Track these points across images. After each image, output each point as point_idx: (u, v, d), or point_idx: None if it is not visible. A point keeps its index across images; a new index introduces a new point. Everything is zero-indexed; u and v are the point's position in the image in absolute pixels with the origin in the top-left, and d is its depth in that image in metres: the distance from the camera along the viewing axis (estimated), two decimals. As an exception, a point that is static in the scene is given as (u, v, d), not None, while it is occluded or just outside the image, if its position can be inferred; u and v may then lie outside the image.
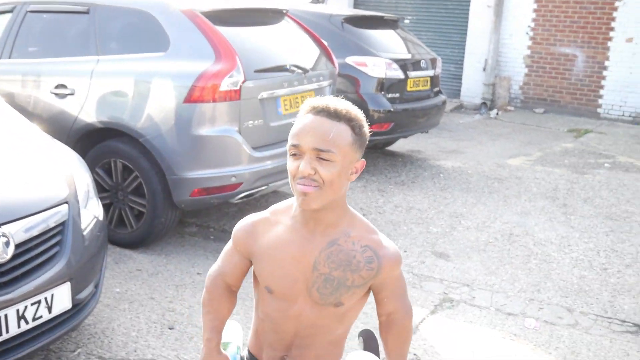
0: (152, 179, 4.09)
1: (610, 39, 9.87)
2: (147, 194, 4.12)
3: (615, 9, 9.73)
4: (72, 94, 4.27)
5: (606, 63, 9.97)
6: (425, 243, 4.69)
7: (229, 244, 1.75)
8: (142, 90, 4.05)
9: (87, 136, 4.28)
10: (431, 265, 4.30)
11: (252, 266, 1.72)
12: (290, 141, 1.53)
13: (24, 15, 4.62)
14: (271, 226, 1.65)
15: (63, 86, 4.30)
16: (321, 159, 1.49)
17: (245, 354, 1.82)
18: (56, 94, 4.33)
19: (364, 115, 1.58)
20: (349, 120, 1.52)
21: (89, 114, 4.20)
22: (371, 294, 1.73)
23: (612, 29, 9.83)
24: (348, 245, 1.60)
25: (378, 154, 7.33)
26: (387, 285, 1.67)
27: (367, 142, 1.58)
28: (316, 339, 1.69)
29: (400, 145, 7.69)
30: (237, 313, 3.30)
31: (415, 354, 3.19)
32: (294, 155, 1.52)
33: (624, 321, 3.65)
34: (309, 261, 1.60)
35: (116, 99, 4.14)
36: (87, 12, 4.39)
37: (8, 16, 4.69)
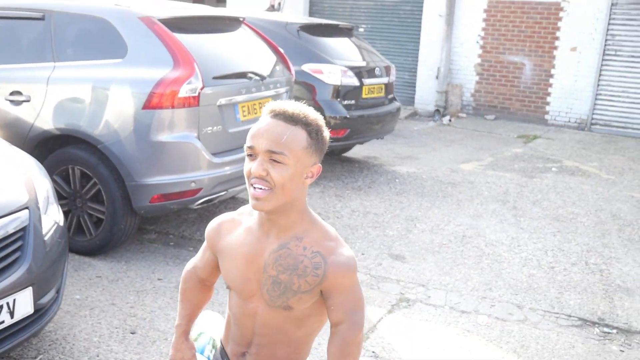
0: (111, 185, 4.09)
1: (555, 48, 10.27)
2: (106, 200, 4.12)
3: (560, 19, 10.14)
4: (27, 101, 4.24)
5: (552, 71, 10.36)
6: (382, 246, 4.82)
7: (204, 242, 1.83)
8: (100, 96, 4.06)
9: (44, 143, 4.26)
10: (388, 267, 4.42)
11: None
12: (246, 142, 1.56)
13: (-22, 21, 4.56)
14: (235, 226, 1.70)
15: (18, 93, 4.27)
16: (274, 161, 1.50)
17: (219, 346, 1.86)
18: (11, 101, 4.29)
19: (323, 120, 1.60)
20: (305, 124, 1.54)
21: (45, 121, 4.18)
22: None
23: (557, 38, 10.23)
24: (298, 249, 1.59)
25: (335, 160, 7.45)
26: (334, 293, 1.60)
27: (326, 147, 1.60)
28: (273, 339, 1.68)
29: (357, 152, 7.84)
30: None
31: (374, 352, 3.30)
32: (249, 156, 1.55)
33: (570, 316, 3.84)
34: (260, 262, 1.62)
35: (74, 106, 4.13)
36: (42, 19, 4.36)
37: (-40, 22, 4.62)
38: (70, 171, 4.19)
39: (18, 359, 2.97)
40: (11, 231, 2.61)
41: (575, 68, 10.16)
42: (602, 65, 9.99)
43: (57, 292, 2.89)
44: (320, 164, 1.60)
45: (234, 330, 1.75)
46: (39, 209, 2.82)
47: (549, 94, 10.45)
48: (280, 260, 1.59)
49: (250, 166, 1.54)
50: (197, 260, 1.85)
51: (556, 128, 10.32)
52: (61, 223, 3.02)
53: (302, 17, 10.16)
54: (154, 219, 4.98)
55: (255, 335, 1.69)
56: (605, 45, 9.91)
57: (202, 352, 1.87)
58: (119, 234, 4.19)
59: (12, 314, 2.52)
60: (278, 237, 1.61)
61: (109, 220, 4.14)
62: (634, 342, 3.58)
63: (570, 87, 10.24)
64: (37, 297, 2.65)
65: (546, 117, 10.51)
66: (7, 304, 2.50)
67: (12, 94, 4.29)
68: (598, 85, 10.07)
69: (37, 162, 3.16)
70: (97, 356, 3.05)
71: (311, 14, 12.37)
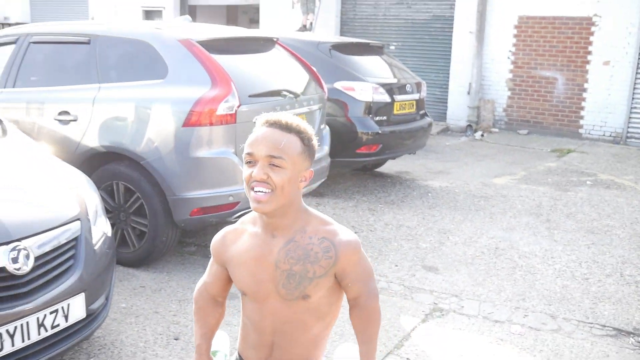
0: (153, 199, 4.28)
1: (588, 62, 10.25)
2: (148, 214, 4.30)
3: (592, 33, 10.13)
4: (74, 120, 4.47)
5: (585, 85, 10.33)
6: (415, 258, 4.89)
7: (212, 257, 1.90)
8: (143, 115, 4.26)
9: (89, 160, 4.47)
10: (421, 278, 4.50)
11: None
12: (245, 150, 1.67)
13: (27, 46, 4.84)
14: (239, 235, 1.80)
15: (66, 113, 4.51)
16: (273, 165, 1.63)
17: (235, 357, 1.94)
18: (59, 120, 4.53)
19: (312, 130, 1.74)
20: (298, 132, 1.68)
21: (91, 139, 4.40)
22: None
23: (589, 52, 10.21)
24: (305, 240, 1.71)
25: (368, 175, 7.56)
26: (348, 271, 1.74)
27: (315, 153, 1.73)
28: (295, 336, 1.77)
29: (389, 167, 7.93)
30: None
31: (408, 359, 3.37)
32: (248, 163, 1.66)
33: (604, 326, 3.86)
34: (271, 261, 1.71)
35: (118, 124, 4.35)
36: (87, 43, 4.61)
37: (12, 47, 4.90)
38: (114, 186, 4.40)
39: (69, 363, 3.14)
40: (64, 241, 2.78)
41: (608, 82, 10.11)
42: (636, 78, 9.92)
43: (107, 298, 3.06)
44: (312, 169, 1.74)
45: (252, 337, 1.82)
46: (89, 220, 3.00)
47: (582, 108, 10.41)
48: (290, 254, 1.70)
49: (250, 171, 1.65)
50: (205, 277, 1.92)
51: (590, 142, 10.26)
52: (109, 234, 3.19)
53: (333, 36, 10.35)
54: (193, 232, 5.15)
55: (276, 336, 1.77)
56: (639, 58, 9.85)
57: None
58: (161, 246, 4.36)
59: (66, 318, 2.69)
60: (283, 235, 1.72)
61: (151, 233, 4.32)
62: (669, 351, 3.58)
63: (604, 101, 10.19)
64: (88, 302, 2.82)
65: (580, 131, 10.46)
66: (62, 308, 2.66)
67: (60, 113, 4.52)
68: (633, 98, 10.00)
69: (86, 177, 3.35)
70: (143, 360, 3.20)
71: (342, 32, 12.57)
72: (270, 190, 1.64)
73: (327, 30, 12.17)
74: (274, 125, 1.67)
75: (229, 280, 1.87)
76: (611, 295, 4.29)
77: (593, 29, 10.11)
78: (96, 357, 3.22)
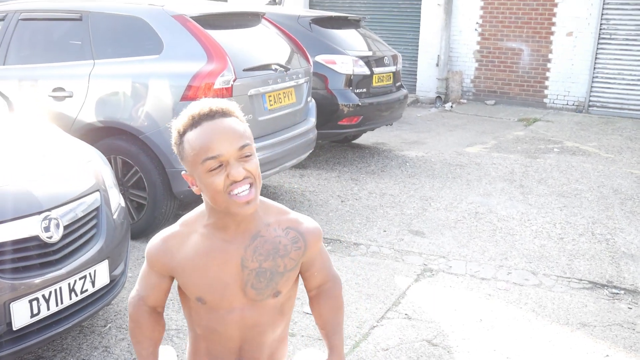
0: (151, 172, 4.40)
1: (552, 33, 10.60)
2: (147, 187, 4.43)
3: (556, 5, 10.46)
4: (70, 96, 4.54)
5: (550, 56, 10.69)
6: (402, 223, 5.15)
7: (144, 265, 1.69)
8: (140, 90, 4.36)
9: (86, 135, 4.52)
10: (409, 242, 4.76)
11: (176, 282, 1.67)
12: (205, 156, 1.43)
13: (16, 23, 4.85)
14: (184, 238, 1.60)
15: (61, 89, 4.57)
16: (245, 156, 1.46)
17: None
18: (54, 97, 4.59)
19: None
20: (233, 112, 1.51)
21: (88, 114, 4.49)
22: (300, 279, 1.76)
23: (553, 24, 10.56)
24: (270, 233, 1.58)
25: (346, 146, 7.77)
26: (315, 260, 1.68)
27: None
28: (264, 339, 1.66)
29: (366, 138, 8.16)
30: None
31: (406, 314, 3.63)
32: (214, 170, 1.44)
33: (580, 279, 4.18)
34: (236, 262, 1.56)
35: (115, 99, 4.44)
36: (79, 19, 4.66)
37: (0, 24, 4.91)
38: (112, 160, 4.50)
39: (90, 327, 3.29)
40: (88, 211, 2.92)
41: (571, 52, 10.49)
42: (597, 48, 10.33)
43: (125, 265, 3.21)
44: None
45: (215, 349, 1.67)
46: (107, 191, 3.13)
47: (547, 78, 10.79)
48: (259, 250, 1.57)
49: (221, 177, 1.44)
50: (141, 289, 1.70)
51: (555, 111, 10.66)
52: (123, 205, 3.33)
53: (313, 10, 10.44)
54: (186, 206, 5.29)
55: (245, 342, 1.65)
56: (600, 29, 10.25)
57: None
58: (160, 218, 4.50)
59: (93, 283, 2.84)
60: (246, 230, 1.57)
61: (150, 205, 4.45)
62: (640, 300, 3.93)
63: (568, 71, 10.58)
64: (111, 269, 2.97)
65: (545, 100, 10.85)
66: (90, 274, 2.81)
67: (55, 90, 4.58)
68: (594, 68, 10.41)
69: (98, 151, 3.47)
70: (160, 324, 3.37)
71: (311, 6, 12.64)
72: (251, 185, 1.47)
73: (295, 4, 12.22)
74: (216, 116, 1.46)
75: (168, 290, 1.70)
76: (585, 252, 4.63)
77: (557, 0, 10.44)
78: (113, 322, 3.39)
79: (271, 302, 1.62)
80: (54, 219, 2.69)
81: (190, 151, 1.45)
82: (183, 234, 1.60)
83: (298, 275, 1.70)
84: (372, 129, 7.55)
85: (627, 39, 10.15)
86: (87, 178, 3.06)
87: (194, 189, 1.54)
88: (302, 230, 1.63)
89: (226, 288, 1.57)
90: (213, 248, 1.56)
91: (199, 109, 1.47)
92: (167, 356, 1.81)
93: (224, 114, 1.47)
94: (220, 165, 1.44)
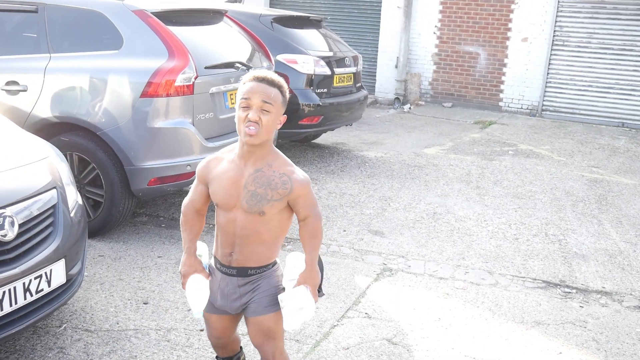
0: (109, 170, 4.32)
1: (508, 38, 10.83)
2: (104, 184, 4.34)
3: (512, 11, 10.70)
4: (24, 90, 4.41)
5: (505, 60, 10.93)
6: (361, 223, 5.18)
7: (195, 179, 2.39)
8: (99, 86, 4.27)
9: (40, 131, 4.41)
10: (369, 242, 4.79)
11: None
12: (243, 96, 2.18)
13: (-32, 14, 4.68)
14: (219, 161, 2.32)
15: (15, 82, 4.44)
16: (264, 110, 2.16)
17: (212, 260, 2.45)
18: (7, 91, 4.46)
19: (287, 86, 2.28)
20: (279, 87, 2.23)
21: (43, 109, 4.37)
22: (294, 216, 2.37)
23: (509, 29, 10.79)
24: (269, 172, 2.24)
25: (306, 146, 7.77)
26: (300, 200, 2.28)
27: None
28: (251, 240, 2.29)
29: (326, 138, 8.18)
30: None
31: (366, 313, 3.66)
32: (244, 107, 2.17)
33: (535, 279, 4.29)
34: (241, 182, 2.24)
35: (72, 95, 4.33)
36: (35, 12, 4.53)
37: (-50, 14, 4.73)
38: (68, 157, 4.39)
39: (44, 328, 3.21)
40: (44, 208, 2.84)
41: (526, 57, 10.74)
42: (551, 54, 10.60)
43: (82, 264, 3.14)
44: (286, 115, 2.30)
45: (221, 238, 2.35)
46: (63, 189, 3.06)
47: (502, 82, 11.02)
48: (257, 180, 2.23)
49: (245, 114, 2.17)
50: (191, 195, 2.41)
51: (510, 114, 10.90)
52: (80, 202, 3.26)
53: (274, 9, 10.40)
54: (143, 203, 5.21)
55: (237, 238, 2.29)
56: (554, 35, 10.52)
57: (206, 267, 2.43)
58: (117, 216, 4.42)
59: (49, 283, 2.77)
60: (254, 164, 2.24)
61: (107, 203, 4.37)
62: (590, 299, 4.05)
63: (522, 76, 10.83)
64: (68, 268, 2.90)
65: (500, 104, 11.08)
66: (45, 273, 2.74)
67: (8, 83, 4.45)
68: (548, 73, 10.69)
69: (54, 147, 3.38)
70: (117, 324, 3.31)
71: (272, 5, 12.60)
72: (259, 127, 2.16)
73: (255, 3, 12.16)
74: (263, 81, 2.20)
75: (208, 197, 2.36)
76: (539, 253, 4.75)
77: (513, 6, 10.68)
78: (69, 322, 3.31)
79: (257, 217, 2.25)
80: (9, 216, 2.61)
81: (240, 93, 2.21)
82: (219, 159, 2.32)
83: (290, 210, 2.31)
84: (332, 129, 7.57)
85: (579, 46, 10.45)
86: (43, 175, 2.98)
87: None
88: (292, 178, 2.25)
89: (230, 197, 2.25)
90: (231, 169, 2.25)
91: (260, 73, 2.22)
92: (202, 246, 2.47)
93: (269, 82, 2.19)
94: (247, 107, 2.16)
